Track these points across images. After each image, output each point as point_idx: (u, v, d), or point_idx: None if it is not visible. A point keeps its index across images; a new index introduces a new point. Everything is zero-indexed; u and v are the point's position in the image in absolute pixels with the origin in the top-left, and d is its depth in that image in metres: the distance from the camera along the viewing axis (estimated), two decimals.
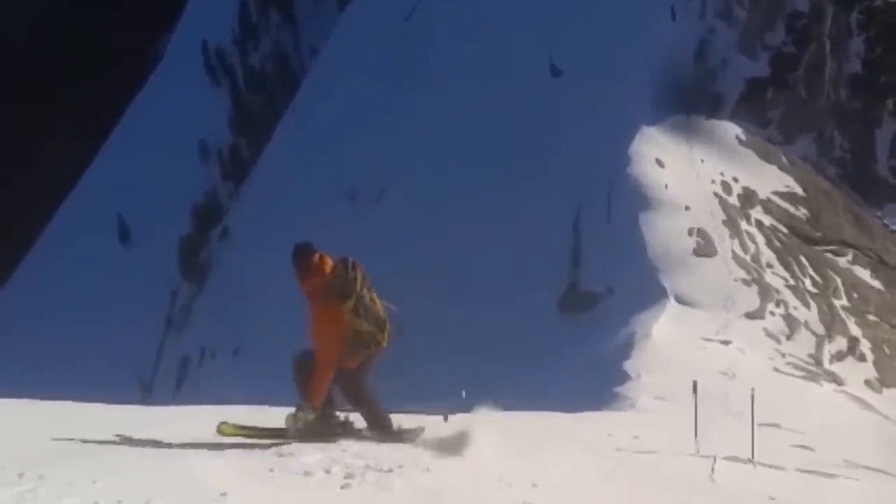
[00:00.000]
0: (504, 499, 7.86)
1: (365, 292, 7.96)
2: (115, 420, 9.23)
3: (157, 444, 8.28)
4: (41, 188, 54.66)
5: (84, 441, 7.91)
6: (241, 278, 37.81)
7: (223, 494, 6.51)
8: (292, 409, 8.10)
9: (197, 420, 9.50)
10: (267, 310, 34.39)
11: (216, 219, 48.43)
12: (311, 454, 8.12)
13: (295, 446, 8.41)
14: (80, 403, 9.99)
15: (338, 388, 8.13)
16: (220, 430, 8.18)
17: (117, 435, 8.53)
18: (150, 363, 41.32)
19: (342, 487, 7.52)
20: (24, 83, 60.92)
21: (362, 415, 8.42)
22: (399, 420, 8.64)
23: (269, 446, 8.04)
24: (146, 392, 36.59)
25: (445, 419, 8.93)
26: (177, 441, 8.53)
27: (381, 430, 8.35)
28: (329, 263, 8.02)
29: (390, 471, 8.00)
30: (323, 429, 8.20)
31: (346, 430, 8.30)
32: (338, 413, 8.33)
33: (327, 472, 7.77)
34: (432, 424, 9.04)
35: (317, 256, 8.03)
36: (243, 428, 8.22)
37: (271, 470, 7.66)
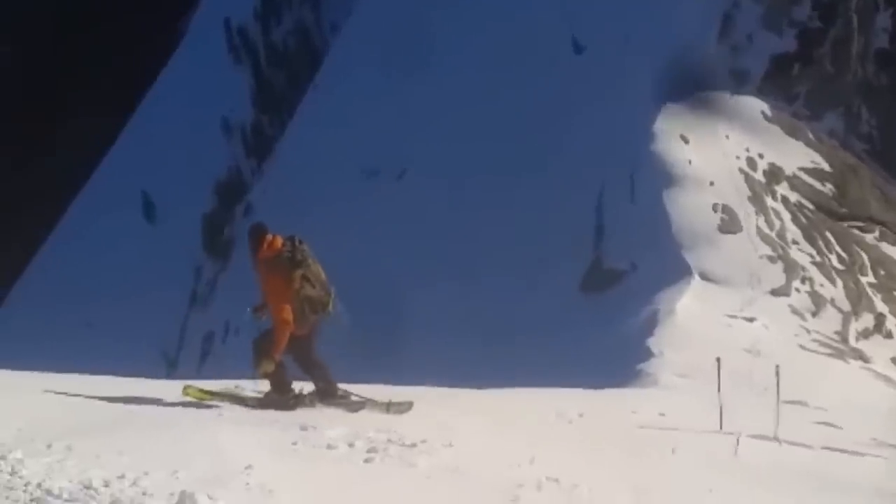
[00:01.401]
0: (526, 475, 7.87)
1: (311, 263, 8.83)
2: (140, 394, 9.30)
3: (182, 417, 8.34)
4: (66, 166, 55.00)
5: (111, 414, 7.98)
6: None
7: (248, 467, 6.56)
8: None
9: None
10: None
11: (239, 195, 48.55)
12: (334, 428, 8.18)
13: (319, 420, 8.46)
14: (106, 377, 10.07)
15: (290, 357, 8.84)
16: (185, 393, 8.95)
17: (143, 409, 8.61)
18: (174, 339, 41.59)
19: (365, 461, 7.56)
20: (48, 61, 61.19)
21: (313, 380, 8.99)
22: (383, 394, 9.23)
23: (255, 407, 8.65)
24: (171, 367, 36.84)
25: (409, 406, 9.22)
26: (201, 415, 8.59)
27: (331, 396, 8.93)
28: (279, 240, 8.90)
29: (413, 446, 8.03)
30: (278, 399, 8.81)
31: (299, 401, 8.87)
32: (293, 386, 8.99)
33: (350, 445, 7.82)
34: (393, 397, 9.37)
35: (269, 234, 8.97)
36: (206, 392, 9.02)
37: (294, 443, 7.72)
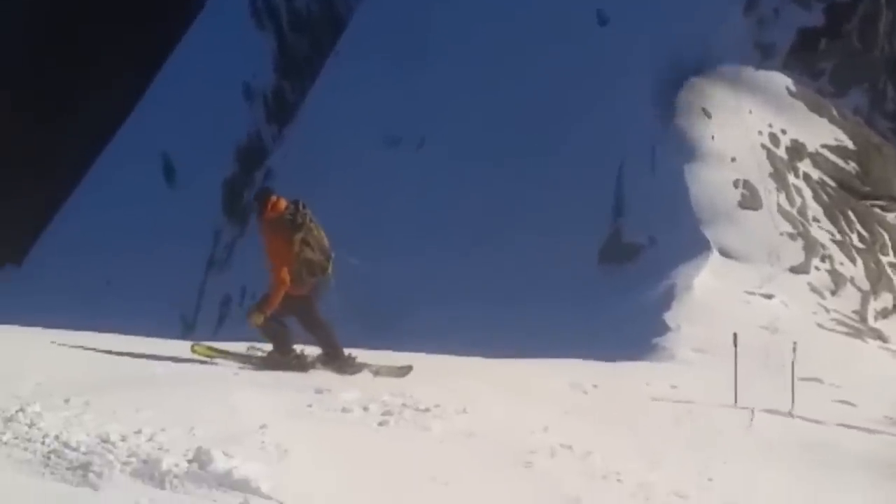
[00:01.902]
0: (539, 442, 7.90)
1: (312, 226, 9.06)
2: (158, 353, 9.37)
3: (198, 377, 8.40)
4: (88, 127, 55.15)
5: (129, 372, 8.05)
6: None
7: (263, 427, 6.60)
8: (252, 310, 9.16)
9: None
10: None
11: (260, 161, 48.58)
12: (349, 391, 8.22)
13: (334, 384, 8.51)
14: (124, 336, 10.15)
15: (294, 318, 9.10)
16: (193, 350, 9.25)
17: (161, 367, 8.67)
18: (192, 301, 41.81)
19: (379, 425, 7.60)
20: (73, 22, 61.20)
21: (317, 341, 9.18)
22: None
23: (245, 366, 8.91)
24: (188, 329, 37.05)
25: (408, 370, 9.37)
26: (218, 375, 8.65)
27: (334, 356, 9.09)
28: (283, 202, 9.15)
29: (427, 410, 8.07)
30: (284, 359, 8.99)
31: (301, 362, 9.05)
32: (294, 347, 9.19)
33: (365, 409, 7.86)
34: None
35: (274, 197, 9.24)
36: (213, 350, 9.27)
37: (309, 406, 7.76)
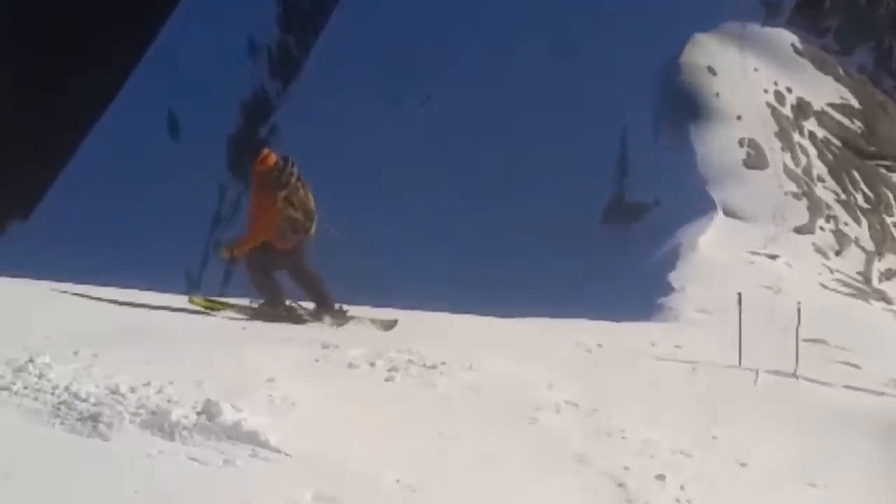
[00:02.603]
0: (544, 399, 7.94)
1: (298, 185, 9.24)
2: (165, 308, 9.41)
3: (206, 331, 8.44)
4: (93, 83, 54.92)
5: (136, 325, 8.08)
6: None
7: (270, 380, 6.64)
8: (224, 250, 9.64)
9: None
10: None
11: (264, 116, 48.43)
12: (355, 347, 8.26)
13: (341, 339, 8.55)
14: (131, 290, 10.19)
15: (286, 273, 9.44)
16: (190, 301, 9.60)
17: (168, 321, 8.71)
18: (197, 258, 41.90)
19: (386, 380, 7.64)
20: None
21: (306, 294, 9.50)
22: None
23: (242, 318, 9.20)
24: (194, 286, 37.12)
25: (394, 324, 9.62)
26: (225, 330, 8.70)
27: (324, 308, 9.38)
28: (273, 157, 9.32)
29: (433, 367, 8.11)
30: (274, 311, 9.31)
31: (291, 314, 9.36)
32: (285, 300, 9.53)
33: (371, 365, 7.90)
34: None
35: (265, 151, 9.45)
36: (209, 301, 9.68)
37: (316, 360, 7.80)
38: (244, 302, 9.72)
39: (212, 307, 9.53)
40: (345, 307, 9.56)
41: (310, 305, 9.57)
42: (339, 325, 9.29)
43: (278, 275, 9.47)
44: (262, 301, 9.45)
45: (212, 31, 54.72)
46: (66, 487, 4.76)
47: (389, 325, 9.56)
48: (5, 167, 51.04)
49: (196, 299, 9.64)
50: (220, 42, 53.69)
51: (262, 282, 9.38)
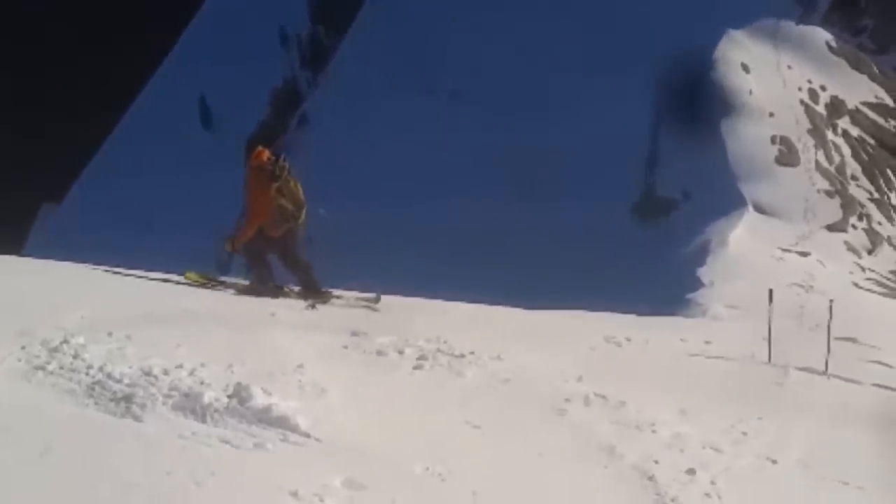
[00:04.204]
0: (571, 390, 7.91)
1: (289, 178, 10.15)
2: (197, 293, 9.47)
3: (237, 316, 8.49)
4: (125, 72, 55.30)
5: (169, 309, 8.14)
6: (316, 167, 38.08)
7: (300, 366, 6.67)
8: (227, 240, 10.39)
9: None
10: (341, 199, 34.68)
11: (294, 105, 48.59)
12: (385, 335, 8.27)
13: (370, 327, 8.57)
14: (162, 274, 10.28)
15: (276, 258, 10.26)
16: (185, 277, 10.27)
17: (200, 306, 8.77)
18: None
19: (414, 368, 7.65)
20: None
21: (296, 278, 10.29)
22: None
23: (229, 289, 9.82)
24: (224, 272, 37.39)
25: (377, 300, 10.30)
26: (256, 316, 8.74)
27: (312, 290, 10.13)
28: (266, 153, 10.17)
29: (462, 357, 8.10)
30: (261, 289, 10.08)
31: (280, 292, 10.14)
32: (275, 281, 10.34)
33: (400, 353, 7.91)
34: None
35: (260, 147, 10.29)
36: (203, 276, 10.36)
37: (345, 347, 7.83)
38: (236, 281, 10.40)
39: (206, 282, 10.26)
40: (333, 291, 10.25)
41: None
42: (323, 302, 9.97)
43: (272, 260, 10.29)
44: (252, 280, 10.30)
45: (244, 20, 54.95)
46: (100, 467, 4.80)
47: (374, 300, 10.25)
48: (39, 152, 51.55)
49: (191, 274, 10.31)
50: (253, 31, 53.91)
51: (254, 264, 10.27)
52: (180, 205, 45.46)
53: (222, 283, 10.31)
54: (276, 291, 10.14)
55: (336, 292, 10.29)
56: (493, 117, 36.96)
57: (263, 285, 10.16)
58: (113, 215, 46.36)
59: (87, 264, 10.38)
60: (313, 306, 9.79)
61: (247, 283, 10.31)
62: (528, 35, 39.04)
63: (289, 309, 9.34)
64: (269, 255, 10.24)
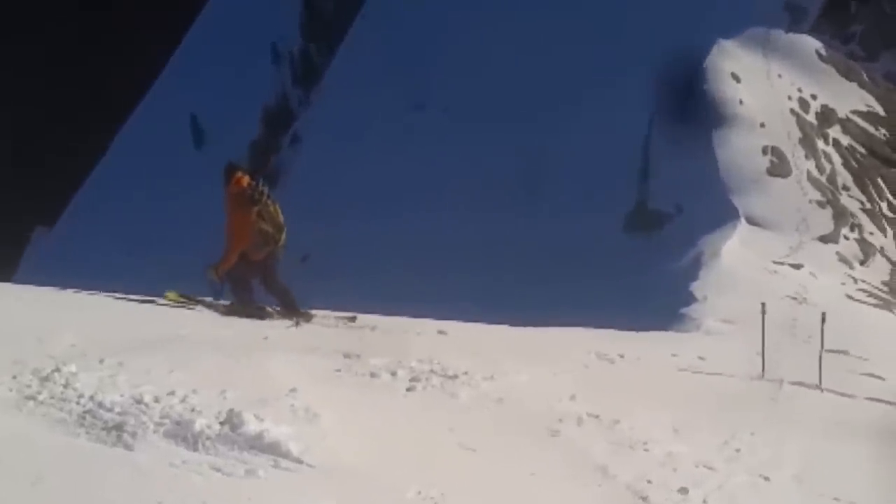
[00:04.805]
0: (565, 410, 7.91)
1: (269, 203, 10.32)
2: (189, 317, 9.46)
3: (229, 341, 8.47)
4: (117, 89, 55.31)
5: (161, 335, 8.13)
6: (309, 185, 38.08)
7: (293, 390, 6.66)
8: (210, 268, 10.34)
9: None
10: (335, 218, 34.67)
11: (286, 123, 48.64)
12: (377, 357, 8.27)
13: (363, 349, 8.57)
14: (154, 299, 10.27)
15: (257, 281, 10.43)
16: (166, 297, 10.37)
17: (192, 331, 8.75)
18: None
19: (407, 390, 7.64)
20: None
21: (276, 301, 10.48)
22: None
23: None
24: (217, 294, 37.34)
25: (353, 320, 10.53)
26: (248, 340, 8.73)
27: (291, 311, 10.31)
28: (246, 179, 10.35)
29: (455, 377, 8.10)
30: (243, 309, 10.23)
31: (261, 312, 10.32)
32: (255, 302, 10.49)
33: (393, 374, 7.91)
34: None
35: (240, 173, 10.47)
36: (184, 297, 10.47)
37: (338, 370, 7.82)
38: (217, 302, 10.45)
39: (186, 302, 10.37)
40: (312, 311, 10.46)
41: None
42: (307, 320, 10.17)
43: (253, 284, 10.43)
44: (233, 302, 10.40)
45: (235, 38, 55.03)
46: (91, 496, 4.79)
47: (350, 319, 10.49)
48: (31, 175, 51.48)
49: (171, 294, 10.39)
50: (244, 49, 53.98)
51: (237, 289, 10.36)
52: (174, 225, 45.39)
53: (201, 302, 10.45)
54: (261, 312, 10.32)
55: (314, 312, 10.52)
56: (486, 132, 37.02)
57: (245, 306, 10.33)
58: (106, 237, 46.28)
59: (78, 289, 10.36)
60: (297, 324, 9.99)
61: (227, 303, 10.44)
62: (519, 50, 39.17)
63: (281, 331, 9.34)
64: (252, 279, 10.39)
